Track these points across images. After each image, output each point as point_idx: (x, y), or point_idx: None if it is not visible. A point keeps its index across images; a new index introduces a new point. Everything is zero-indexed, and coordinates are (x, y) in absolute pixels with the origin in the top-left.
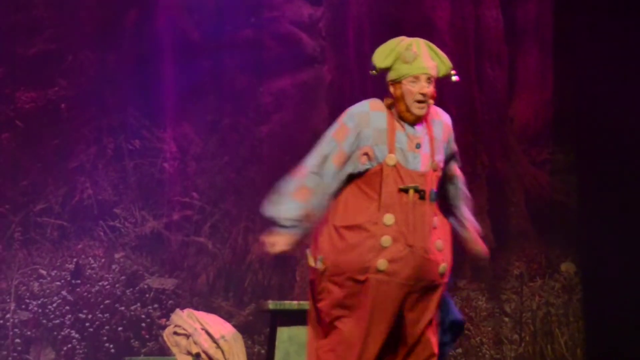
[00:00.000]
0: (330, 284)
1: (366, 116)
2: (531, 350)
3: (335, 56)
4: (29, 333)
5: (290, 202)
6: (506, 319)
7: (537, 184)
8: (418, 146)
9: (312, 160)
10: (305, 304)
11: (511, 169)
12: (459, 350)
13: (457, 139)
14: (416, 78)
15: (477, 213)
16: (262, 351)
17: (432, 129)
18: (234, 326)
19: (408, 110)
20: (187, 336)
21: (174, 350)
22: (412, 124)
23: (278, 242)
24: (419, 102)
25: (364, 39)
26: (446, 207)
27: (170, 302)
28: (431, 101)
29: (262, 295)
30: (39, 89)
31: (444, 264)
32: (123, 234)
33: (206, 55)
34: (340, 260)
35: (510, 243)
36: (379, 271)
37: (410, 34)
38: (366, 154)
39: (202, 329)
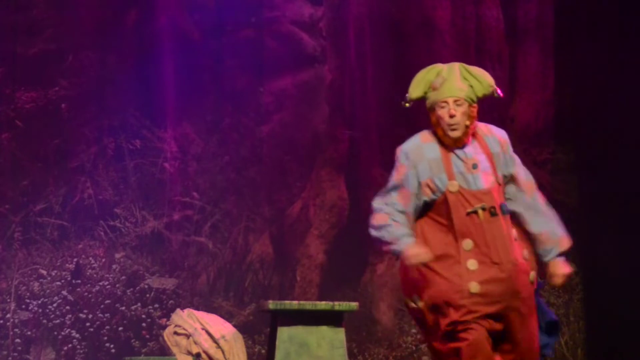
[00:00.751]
0: (437, 316)
1: (419, 150)
2: None
3: (336, 56)
4: (29, 333)
5: (395, 227)
6: None
7: (538, 183)
8: (475, 167)
9: (381, 204)
10: (306, 304)
11: None
12: None
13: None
14: (445, 102)
15: None
16: (263, 351)
17: (487, 145)
18: (235, 326)
19: (445, 135)
20: (188, 336)
21: (174, 350)
22: (461, 147)
23: (419, 252)
24: (450, 125)
25: (364, 39)
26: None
27: (170, 302)
28: (467, 122)
29: (263, 295)
30: (39, 89)
31: (533, 272)
32: (123, 234)
33: (206, 55)
34: (435, 292)
35: None
36: (472, 294)
37: (411, 33)
38: (428, 186)
39: (203, 329)
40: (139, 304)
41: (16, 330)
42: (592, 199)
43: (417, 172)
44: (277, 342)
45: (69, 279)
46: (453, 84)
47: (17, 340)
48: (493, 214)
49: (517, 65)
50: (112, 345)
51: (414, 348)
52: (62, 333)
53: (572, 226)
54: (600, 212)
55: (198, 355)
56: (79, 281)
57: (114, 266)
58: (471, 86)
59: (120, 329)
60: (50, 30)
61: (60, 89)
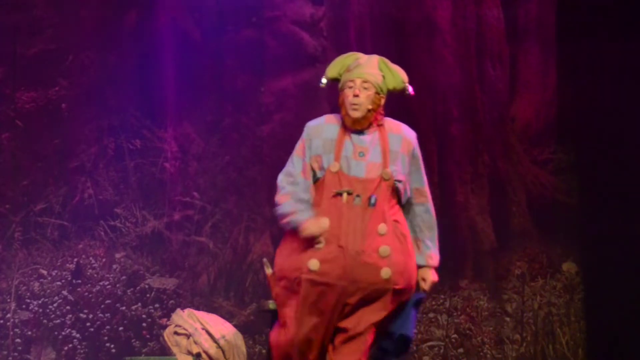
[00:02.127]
0: (278, 288)
1: (319, 128)
2: (532, 350)
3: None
4: (29, 333)
5: (294, 203)
6: (507, 319)
7: (539, 183)
8: (362, 154)
9: (284, 183)
10: None
11: (512, 168)
12: (460, 350)
13: (459, 139)
14: (352, 82)
15: (478, 212)
16: (263, 351)
17: (388, 140)
18: (235, 326)
19: (347, 114)
20: (188, 336)
21: (175, 350)
22: (360, 132)
23: (309, 225)
24: (352, 104)
25: (365, 39)
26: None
27: (171, 302)
28: (370, 106)
29: (263, 295)
30: (39, 89)
31: (387, 269)
32: (124, 234)
33: (207, 55)
34: (283, 263)
35: (511, 243)
36: (310, 271)
37: (412, 33)
38: (316, 161)
39: (203, 329)
40: (140, 304)
41: (16, 330)
42: (593, 199)
43: (310, 147)
44: None
45: (69, 278)
46: (365, 69)
47: (18, 340)
48: (357, 202)
49: (517, 65)
50: (112, 345)
51: (414, 348)
52: (63, 333)
53: (574, 226)
54: (601, 212)
55: (198, 355)
56: (80, 281)
57: (114, 266)
58: (384, 77)
59: (121, 329)
60: (51, 30)
61: (60, 89)
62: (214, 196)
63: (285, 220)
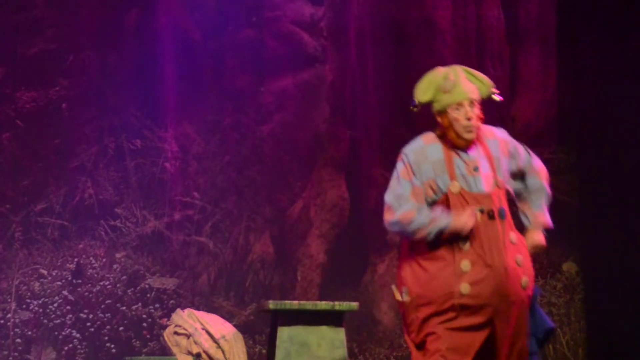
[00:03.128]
0: (419, 313)
1: (422, 150)
2: None
3: (337, 56)
4: (29, 333)
5: (427, 212)
6: None
7: None
8: (476, 169)
9: (398, 203)
10: (306, 304)
11: None
12: None
13: None
14: (459, 105)
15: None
16: (263, 351)
17: (489, 148)
18: (235, 326)
19: (459, 137)
20: (188, 336)
21: (175, 350)
22: (465, 149)
23: (466, 219)
24: (467, 127)
25: (365, 39)
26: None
27: (171, 301)
28: (479, 123)
29: (263, 295)
30: (39, 89)
31: (525, 278)
32: (124, 234)
33: (207, 55)
34: (425, 290)
35: None
36: (462, 295)
37: (412, 33)
38: (430, 186)
39: (203, 329)
40: (140, 304)
41: (17, 330)
42: (593, 199)
43: (420, 173)
44: (278, 342)
45: (69, 278)
46: (466, 86)
47: (18, 340)
48: (491, 217)
49: (518, 65)
50: (112, 345)
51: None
52: (63, 333)
53: (574, 226)
54: (601, 212)
55: (198, 355)
56: (80, 281)
57: (114, 266)
58: (477, 88)
59: (121, 328)
60: (51, 30)
61: (60, 89)
62: (214, 196)
63: (425, 231)
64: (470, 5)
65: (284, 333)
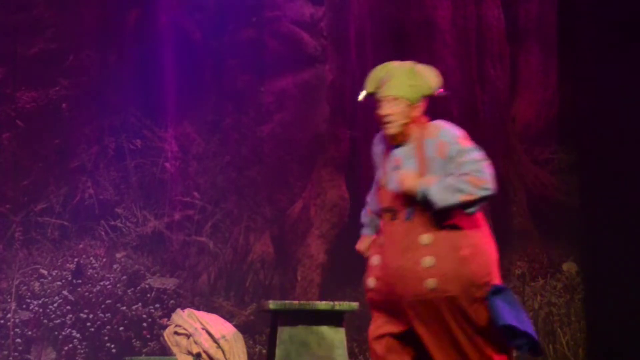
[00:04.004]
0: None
1: (376, 143)
2: None
3: (337, 56)
4: (29, 333)
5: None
6: None
7: (539, 183)
8: (396, 168)
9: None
10: (306, 304)
11: (513, 168)
12: None
13: None
14: (383, 99)
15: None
16: (263, 351)
17: (424, 148)
18: (235, 326)
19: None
20: (188, 336)
21: (175, 350)
22: (399, 145)
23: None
24: (384, 122)
25: (365, 39)
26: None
27: (171, 301)
28: (403, 120)
29: (263, 295)
30: (40, 89)
31: (433, 280)
32: (124, 234)
33: (207, 55)
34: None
35: (512, 242)
36: (370, 289)
37: (412, 33)
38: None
39: (203, 329)
40: (140, 304)
41: (17, 330)
42: (593, 199)
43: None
44: (278, 342)
45: (69, 278)
46: (393, 82)
47: (18, 340)
48: (393, 217)
49: (518, 65)
50: (112, 345)
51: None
52: (63, 333)
53: (574, 226)
54: (601, 212)
55: (198, 355)
56: (80, 281)
57: (114, 266)
58: (413, 86)
59: (121, 328)
60: (51, 29)
61: (61, 89)
62: (214, 196)
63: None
64: (470, 5)
65: (284, 333)
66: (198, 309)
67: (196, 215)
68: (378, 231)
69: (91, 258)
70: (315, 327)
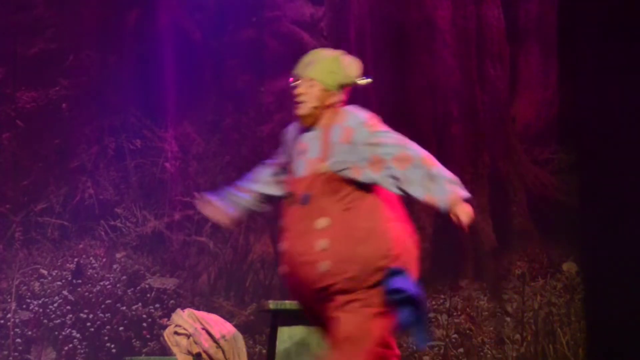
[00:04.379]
0: None
1: (288, 131)
2: (533, 350)
3: None
4: (29, 333)
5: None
6: (508, 319)
7: (539, 183)
8: (301, 153)
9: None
10: None
11: (513, 168)
12: (461, 350)
13: (459, 139)
14: (299, 79)
15: (479, 212)
16: (263, 351)
17: (330, 133)
18: (235, 326)
19: None
20: (188, 336)
21: (175, 350)
22: (308, 129)
23: None
24: (296, 101)
25: (365, 39)
26: None
27: (171, 301)
28: (315, 103)
29: (263, 295)
30: (40, 89)
31: (326, 262)
32: (124, 234)
33: (207, 55)
34: None
35: (512, 242)
36: (283, 277)
37: (412, 33)
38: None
39: (203, 329)
40: (140, 304)
41: (17, 330)
42: (593, 199)
43: (284, 150)
44: (278, 342)
45: (69, 278)
46: (314, 66)
47: (18, 340)
48: (291, 202)
49: (518, 65)
50: (112, 345)
51: (414, 348)
52: (63, 333)
53: (574, 226)
54: (601, 212)
55: (198, 355)
56: (80, 281)
57: (114, 266)
58: (333, 72)
59: (121, 328)
60: (51, 29)
61: (61, 89)
62: None
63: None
64: (470, 5)
65: (284, 333)
66: (198, 309)
67: (196, 215)
68: (240, 211)
69: (91, 258)
70: (315, 327)
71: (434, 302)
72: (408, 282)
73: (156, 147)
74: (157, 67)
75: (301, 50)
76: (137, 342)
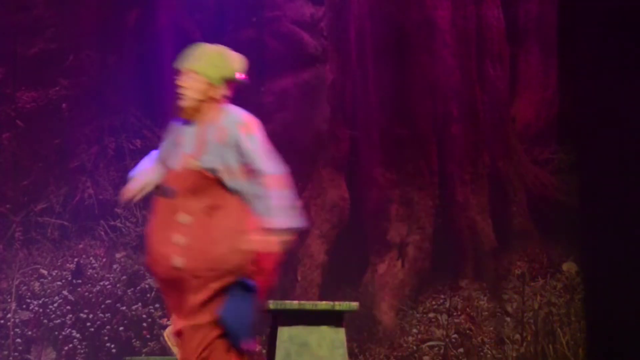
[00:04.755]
0: None
1: (175, 122)
2: (533, 350)
3: (337, 56)
4: (29, 333)
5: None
6: (508, 319)
7: (539, 183)
8: (176, 146)
9: None
10: (306, 304)
11: (513, 168)
12: (460, 350)
13: (459, 139)
14: (183, 72)
15: (478, 212)
16: (263, 351)
17: (206, 131)
18: None
19: None
20: None
21: (175, 350)
22: (189, 123)
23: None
24: (179, 93)
25: (365, 39)
26: None
27: None
28: (197, 96)
29: None
30: (40, 89)
31: (180, 259)
32: (124, 234)
33: None
34: None
35: (512, 243)
36: (148, 268)
37: (412, 33)
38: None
39: None
40: (140, 304)
41: (17, 330)
42: (593, 199)
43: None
44: (278, 342)
45: (69, 278)
46: (198, 59)
47: (18, 340)
48: (160, 194)
49: (518, 65)
50: (112, 345)
51: (415, 348)
52: (63, 333)
53: (574, 226)
54: (601, 212)
55: None
56: (80, 281)
57: (114, 266)
58: (217, 67)
59: (121, 328)
60: (51, 30)
61: (60, 89)
62: None
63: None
64: (470, 5)
65: (284, 333)
66: None
67: None
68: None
69: (91, 258)
70: (315, 327)
71: (433, 302)
72: (241, 312)
73: (156, 147)
74: (157, 67)
75: (301, 50)
76: (137, 342)
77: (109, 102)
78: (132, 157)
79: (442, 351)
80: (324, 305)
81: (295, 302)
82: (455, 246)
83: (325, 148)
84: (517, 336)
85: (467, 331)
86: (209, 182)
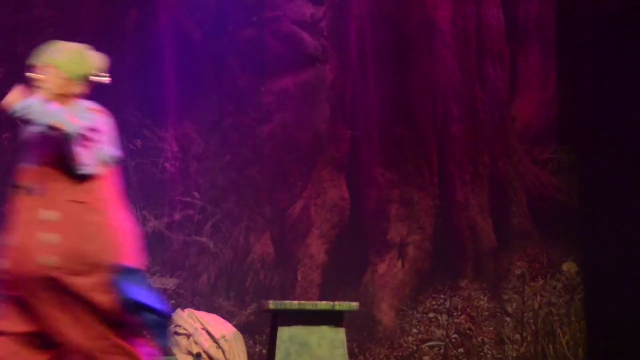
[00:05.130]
0: None
1: None
2: (533, 350)
3: (337, 55)
4: None
5: None
6: (508, 319)
7: (539, 183)
8: (29, 142)
9: None
10: (306, 304)
11: (513, 168)
12: (460, 350)
13: (459, 139)
14: (40, 68)
15: (478, 212)
16: (263, 351)
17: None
18: (235, 326)
19: None
20: (188, 336)
21: (175, 350)
22: None
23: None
24: (36, 86)
25: (365, 39)
26: None
27: (171, 301)
28: (55, 91)
29: (264, 295)
30: None
31: (50, 257)
32: None
33: (208, 55)
34: None
35: (512, 242)
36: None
37: (412, 33)
38: None
39: (203, 329)
40: None
41: None
42: (593, 199)
43: None
44: (278, 342)
45: None
46: (57, 54)
47: None
48: (18, 192)
49: (518, 65)
50: None
51: (415, 348)
52: None
53: (574, 226)
54: (601, 212)
55: (198, 355)
56: None
57: None
58: (75, 63)
59: None
60: (51, 30)
61: None
62: (215, 196)
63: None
64: (470, 5)
65: (284, 333)
66: (198, 309)
67: (196, 215)
68: None
69: None
70: (315, 327)
71: (433, 302)
72: (144, 291)
73: (156, 147)
74: (157, 67)
75: (301, 50)
76: None
77: (109, 102)
78: (132, 157)
79: (442, 351)
80: (324, 305)
81: (295, 302)
82: (455, 246)
83: (325, 148)
84: (517, 336)
85: (467, 331)
86: (69, 174)
